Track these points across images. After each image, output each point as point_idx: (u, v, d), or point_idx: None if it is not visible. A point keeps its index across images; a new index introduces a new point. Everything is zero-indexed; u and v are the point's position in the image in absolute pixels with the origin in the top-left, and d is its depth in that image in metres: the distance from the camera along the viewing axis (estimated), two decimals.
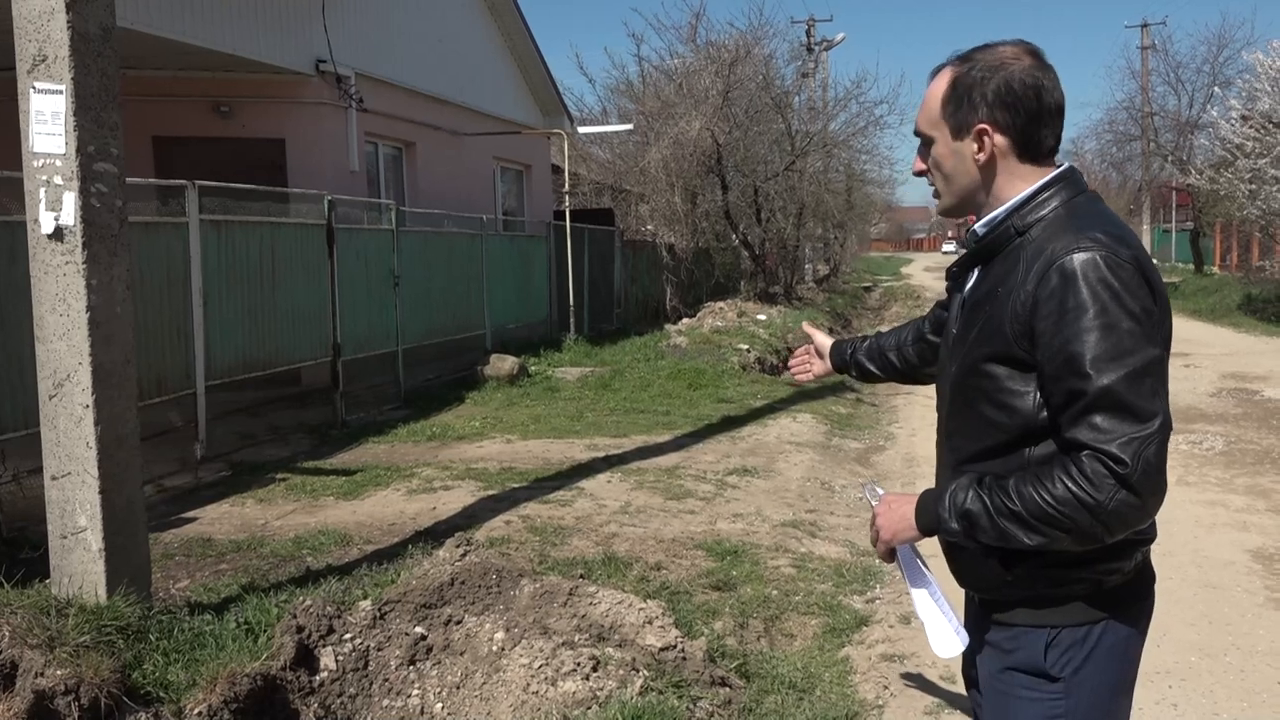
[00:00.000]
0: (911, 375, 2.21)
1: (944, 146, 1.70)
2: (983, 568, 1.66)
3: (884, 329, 2.55)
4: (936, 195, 1.78)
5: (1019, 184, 1.67)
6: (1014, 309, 1.57)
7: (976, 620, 1.76)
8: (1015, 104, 1.64)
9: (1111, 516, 1.47)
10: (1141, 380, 1.48)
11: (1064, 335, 1.50)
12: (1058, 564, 1.59)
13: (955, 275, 1.82)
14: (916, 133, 1.75)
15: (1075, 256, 1.52)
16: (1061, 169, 1.68)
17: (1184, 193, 29.83)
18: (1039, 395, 1.56)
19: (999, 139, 1.65)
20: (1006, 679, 1.69)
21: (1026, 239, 1.63)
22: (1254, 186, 17.35)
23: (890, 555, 1.77)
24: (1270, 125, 16.96)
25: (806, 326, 2.44)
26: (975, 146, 1.67)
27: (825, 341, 2.36)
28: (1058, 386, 1.52)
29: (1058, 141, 1.68)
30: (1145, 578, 1.71)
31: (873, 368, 2.26)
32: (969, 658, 1.82)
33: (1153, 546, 1.72)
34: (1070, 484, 1.47)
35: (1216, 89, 25.57)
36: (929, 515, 1.65)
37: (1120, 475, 1.45)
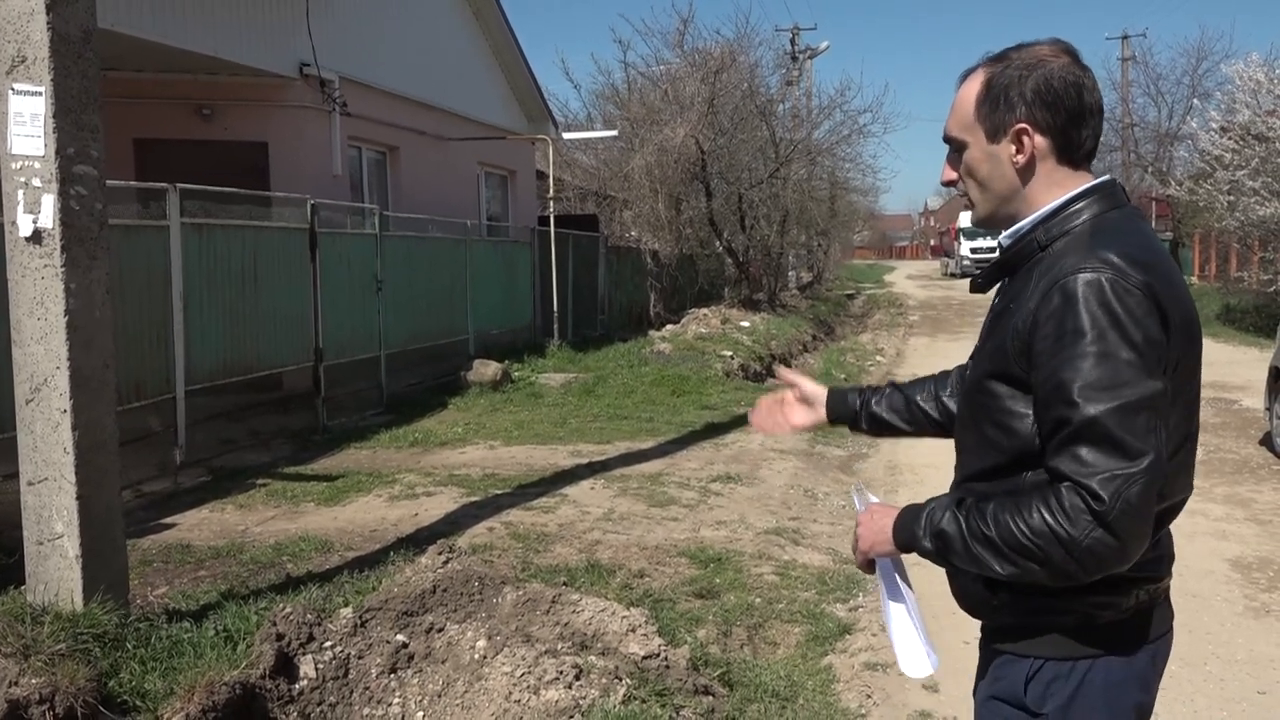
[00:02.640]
0: (952, 429, 1.88)
1: (979, 150, 1.61)
2: (972, 589, 1.60)
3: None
4: (969, 205, 1.68)
5: (1055, 190, 1.58)
6: (1016, 326, 1.50)
7: (981, 643, 1.70)
8: (1056, 102, 1.55)
9: (1085, 554, 1.38)
10: (1135, 415, 1.39)
11: (1058, 359, 1.42)
12: (1045, 592, 1.50)
13: (981, 287, 1.73)
14: (946, 139, 1.66)
15: (1079, 277, 1.43)
16: (1100, 180, 1.59)
17: (1163, 203, 30.08)
18: (1034, 419, 1.50)
19: (1039, 140, 1.56)
20: (990, 707, 1.63)
21: (1048, 253, 1.54)
22: (1233, 198, 17.53)
23: (869, 566, 1.71)
24: (1249, 137, 17.14)
25: (787, 374, 2.10)
26: (1013, 148, 1.57)
27: (814, 389, 2.03)
28: (1047, 413, 1.45)
29: (1096, 145, 1.60)
30: (1152, 619, 1.59)
31: (898, 422, 1.97)
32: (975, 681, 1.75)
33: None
34: (1047, 515, 1.39)
35: (1196, 101, 25.88)
36: (905, 531, 1.58)
37: (1097, 512, 1.37)
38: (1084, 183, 1.58)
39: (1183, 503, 1.63)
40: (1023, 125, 1.56)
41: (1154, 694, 1.62)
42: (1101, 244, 1.48)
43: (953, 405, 1.92)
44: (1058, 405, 1.42)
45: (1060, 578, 1.43)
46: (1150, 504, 1.40)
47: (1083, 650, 1.53)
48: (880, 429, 2.00)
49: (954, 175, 1.67)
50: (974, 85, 1.61)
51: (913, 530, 1.57)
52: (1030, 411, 1.49)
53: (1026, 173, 1.58)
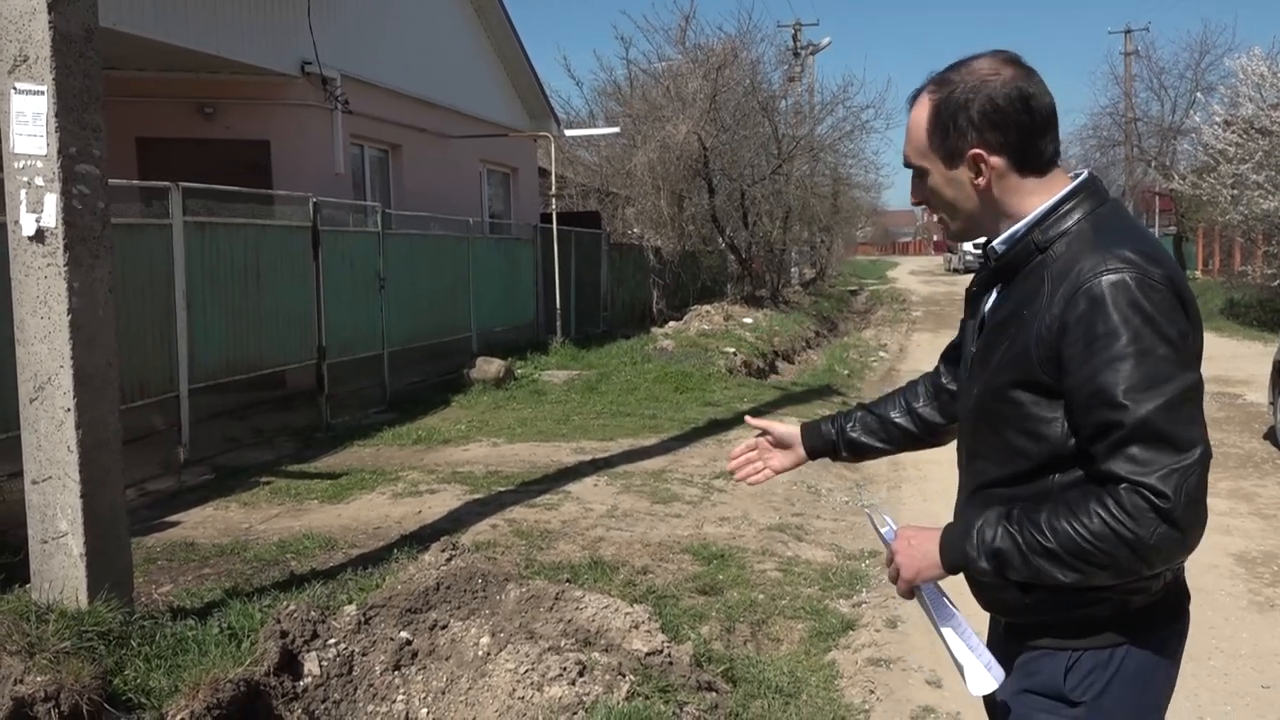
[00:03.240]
0: (932, 438, 1.96)
1: (939, 177, 1.62)
2: (1003, 592, 1.59)
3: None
4: (942, 222, 1.69)
5: (1031, 199, 1.58)
6: (1040, 333, 1.48)
7: (1000, 642, 1.71)
8: (1005, 121, 1.55)
9: (1152, 551, 1.40)
10: (1180, 408, 1.40)
11: (1094, 364, 1.42)
12: (1079, 586, 1.50)
13: (974, 295, 1.73)
14: (907, 164, 1.66)
15: (1105, 279, 1.43)
16: (1082, 179, 1.60)
17: (1167, 198, 30.05)
18: (1066, 423, 1.49)
19: (995, 160, 1.57)
20: (1025, 701, 1.62)
21: (1049, 255, 1.54)
22: (1236, 192, 17.49)
23: (911, 593, 1.67)
24: (1252, 130, 17.10)
25: (752, 420, 2.12)
26: (971, 173, 1.59)
27: (786, 430, 2.04)
28: (1088, 418, 1.44)
29: (1058, 147, 1.61)
30: (1177, 599, 1.64)
31: (875, 442, 1.98)
32: None
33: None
34: (1109, 519, 1.40)
35: (1199, 94, 25.80)
36: (956, 553, 1.55)
37: (1162, 509, 1.38)
38: (1062, 183, 1.59)
39: None
40: (976, 151, 1.57)
41: (1178, 672, 1.66)
42: (1113, 242, 1.48)
43: (928, 414, 1.94)
44: (1101, 409, 1.42)
45: (1124, 576, 1.45)
46: (1205, 492, 1.42)
47: (1117, 638, 1.55)
48: (859, 453, 2.00)
49: (920, 197, 1.68)
50: (922, 112, 1.61)
51: (964, 551, 1.54)
52: (1058, 415, 1.49)
53: (990, 193, 1.59)
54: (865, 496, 6.73)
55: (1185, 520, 1.39)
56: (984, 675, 1.61)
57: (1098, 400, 1.42)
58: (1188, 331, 1.45)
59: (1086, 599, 1.53)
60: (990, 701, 1.73)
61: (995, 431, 1.59)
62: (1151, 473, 1.38)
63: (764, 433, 2.07)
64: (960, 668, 1.63)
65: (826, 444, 2.01)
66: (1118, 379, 1.41)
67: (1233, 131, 17.79)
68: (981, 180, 1.58)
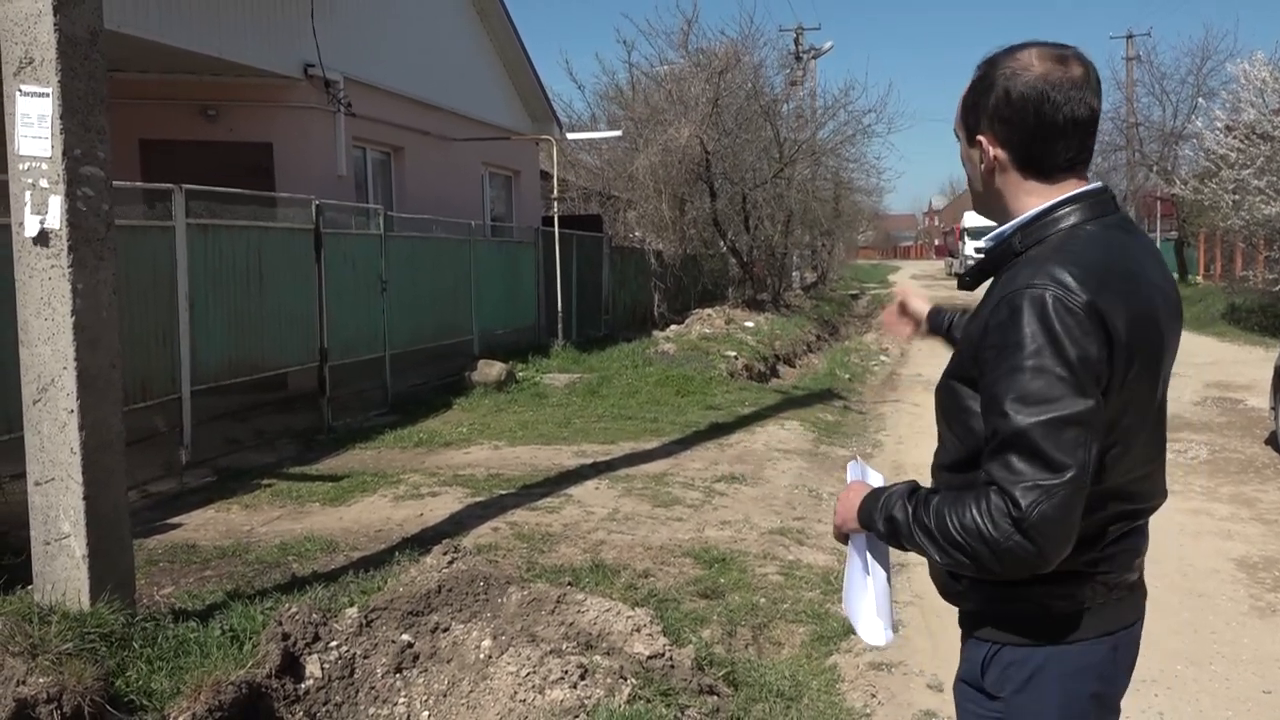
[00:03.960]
0: None
1: (963, 149, 1.69)
2: (940, 575, 1.69)
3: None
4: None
5: (1029, 200, 1.60)
6: (972, 333, 1.58)
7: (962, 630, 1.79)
8: (1011, 118, 1.57)
9: (1005, 555, 1.43)
10: (1061, 430, 1.42)
11: (998, 370, 1.48)
12: (1003, 581, 1.54)
13: (969, 285, 1.79)
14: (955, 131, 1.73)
15: (1027, 293, 1.47)
16: (1086, 188, 1.59)
17: (1168, 203, 30.04)
18: None
19: (998, 152, 1.60)
20: (958, 689, 1.73)
21: (1022, 259, 1.57)
22: (1238, 197, 17.49)
23: (844, 538, 1.78)
24: (1254, 136, 17.10)
25: (902, 290, 2.35)
26: (978, 156, 1.64)
27: (922, 307, 2.20)
28: (985, 419, 1.51)
29: (1079, 155, 1.59)
30: (1113, 615, 1.62)
31: None
32: None
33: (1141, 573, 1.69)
34: (976, 515, 1.45)
35: (1200, 100, 25.78)
36: (866, 510, 1.66)
37: (1016, 519, 1.42)
38: (1066, 190, 1.59)
39: (1154, 505, 1.70)
40: (982, 136, 1.61)
41: (1118, 685, 1.67)
42: (1059, 260, 1.50)
43: None
44: (993, 414, 1.48)
45: (986, 573, 1.49)
46: (1071, 514, 1.44)
47: (1039, 639, 1.58)
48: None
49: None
50: (968, 84, 1.66)
51: (868, 511, 1.66)
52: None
53: (992, 180, 1.63)
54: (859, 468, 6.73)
55: (1037, 535, 1.41)
56: (876, 629, 1.74)
57: (992, 405, 1.49)
58: (1099, 360, 1.46)
59: (1009, 595, 1.56)
60: None
61: (943, 419, 1.68)
62: (1017, 483, 1.42)
63: (903, 302, 2.25)
64: (852, 614, 1.78)
65: (941, 330, 2.15)
66: (1009, 389, 1.45)
67: (1234, 137, 17.79)
68: (984, 166, 1.64)
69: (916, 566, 5.27)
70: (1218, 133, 18.52)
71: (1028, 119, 1.56)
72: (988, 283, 1.73)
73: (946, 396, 1.65)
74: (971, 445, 1.57)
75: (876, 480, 1.78)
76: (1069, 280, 1.46)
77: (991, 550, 1.44)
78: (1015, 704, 1.60)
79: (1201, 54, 31.43)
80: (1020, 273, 1.52)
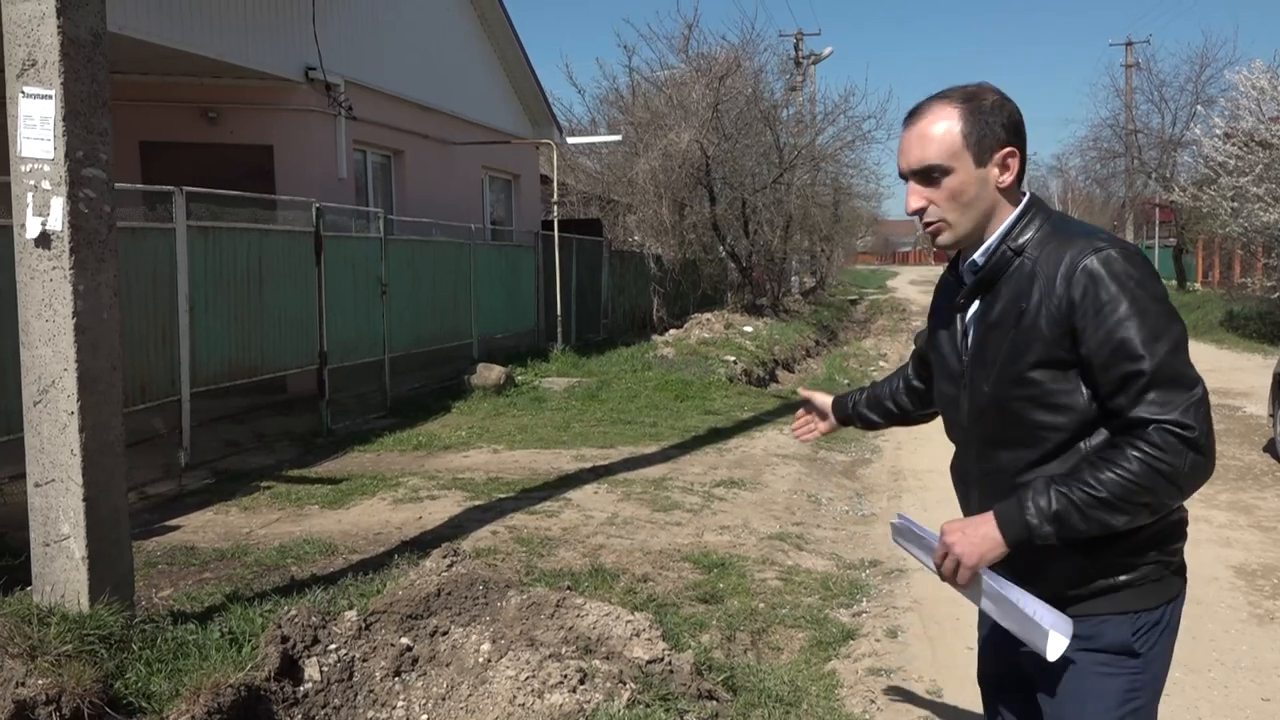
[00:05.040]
0: (908, 419, 2.33)
1: (966, 175, 1.76)
2: (1059, 567, 1.75)
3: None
4: (937, 232, 1.81)
5: (1006, 211, 1.79)
6: (1050, 314, 1.67)
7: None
8: (1020, 131, 1.78)
9: (1186, 479, 1.61)
10: (1181, 351, 1.63)
11: (1107, 327, 1.62)
12: (1130, 551, 1.72)
13: (946, 311, 1.91)
14: (920, 170, 1.77)
15: (1095, 258, 1.65)
16: (1030, 195, 1.81)
17: (1167, 209, 30.08)
18: (1086, 389, 1.68)
19: (1015, 165, 1.77)
20: (1082, 659, 1.77)
21: (1025, 258, 1.75)
22: (1236, 204, 17.52)
23: (971, 579, 1.77)
24: (1253, 143, 17.13)
25: (803, 391, 2.53)
26: (997, 171, 1.76)
27: (825, 400, 2.44)
28: (1110, 374, 1.63)
29: None
30: (1182, 576, 1.86)
31: (874, 416, 2.36)
32: (999, 659, 1.96)
33: None
34: (1146, 458, 1.59)
35: (1199, 107, 25.85)
36: (1016, 526, 1.68)
37: (1189, 440, 1.59)
38: (1021, 201, 1.81)
39: None
40: (1010, 149, 1.76)
41: None
42: (1084, 231, 1.73)
43: (904, 402, 2.30)
44: (1123, 363, 1.62)
45: (1164, 508, 1.66)
46: (1212, 421, 1.65)
47: (1168, 594, 1.80)
48: (870, 425, 2.38)
49: (922, 204, 1.79)
50: (948, 115, 1.75)
51: (1025, 522, 1.68)
52: (1077, 386, 1.69)
53: (1005, 192, 1.78)
54: (865, 506, 6.74)
55: (1206, 445, 1.61)
56: (1059, 638, 1.71)
57: (1119, 355, 1.62)
58: (1165, 290, 1.70)
59: (1140, 563, 1.75)
60: (995, 681, 1.99)
61: (1021, 417, 1.74)
62: (1173, 410, 1.60)
63: (808, 402, 2.48)
64: (1035, 634, 1.72)
65: (846, 415, 2.40)
66: (1130, 335, 1.61)
67: (1233, 144, 17.82)
68: (1007, 177, 1.77)
69: (915, 573, 5.27)
70: (1216, 140, 18.54)
71: (1025, 133, 1.79)
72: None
73: (1025, 390, 1.72)
74: (1073, 422, 1.69)
75: (927, 532, 1.83)
76: (1112, 238, 1.71)
77: (1170, 481, 1.60)
78: (1153, 655, 1.79)
79: (1200, 61, 31.50)
80: (1057, 255, 1.69)
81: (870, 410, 2.36)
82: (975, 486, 1.87)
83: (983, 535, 1.71)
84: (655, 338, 15.55)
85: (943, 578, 1.78)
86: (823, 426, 2.45)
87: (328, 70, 10.43)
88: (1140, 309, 1.62)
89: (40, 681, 2.91)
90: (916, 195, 1.79)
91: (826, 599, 4.76)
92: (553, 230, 14.43)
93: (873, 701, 3.77)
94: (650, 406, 10.21)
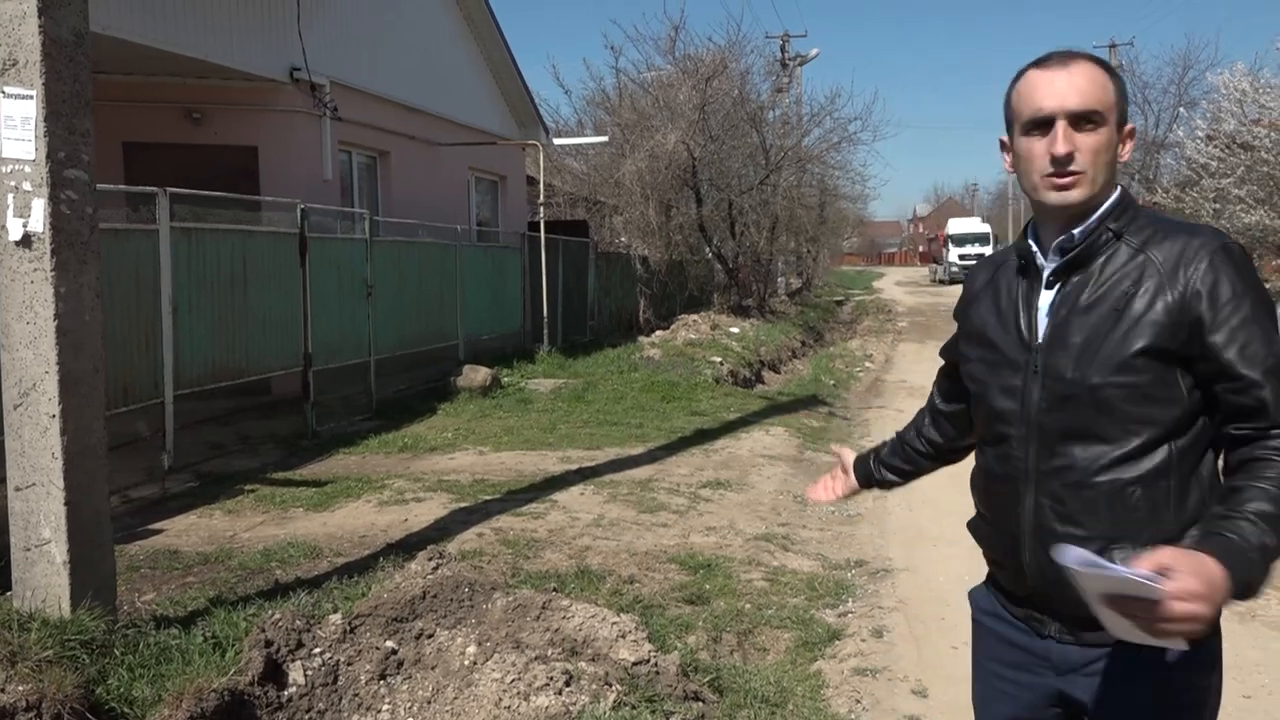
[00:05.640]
0: (945, 456, 2.09)
1: (1111, 134, 1.66)
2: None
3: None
4: (1072, 185, 1.64)
5: (1110, 189, 1.69)
6: (1171, 304, 1.57)
7: (1090, 659, 1.68)
8: None
9: None
10: None
11: (1240, 316, 1.55)
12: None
13: (1052, 283, 1.71)
14: (1081, 113, 1.63)
15: (1220, 249, 1.58)
16: (1122, 186, 1.74)
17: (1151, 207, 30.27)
18: (1187, 386, 1.59)
19: (1130, 144, 1.71)
20: (1171, 690, 1.66)
21: (1125, 243, 1.65)
22: (1218, 205, 17.66)
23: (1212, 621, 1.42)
24: (1234, 146, 17.28)
25: (835, 448, 2.30)
26: (1121, 144, 1.69)
27: (849, 457, 2.21)
28: (1246, 365, 1.54)
29: None
30: None
31: (899, 463, 2.13)
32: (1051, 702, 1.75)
33: None
34: None
35: (1182, 109, 26.05)
36: (1242, 569, 1.41)
37: None
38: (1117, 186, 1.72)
39: None
40: (1133, 127, 1.71)
41: None
42: (1191, 225, 1.67)
43: (933, 436, 2.08)
44: (1264, 353, 1.54)
45: None
46: None
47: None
48: (898, 475, 2.14)
49: (1075, 148, 1.64)
50: (1101, 73, 1.67)
51: (1246, 566, 1.42)
52: (1179, 379, 1.59)
53: (1115, 168, 1.69)
54: (851, 506, 6.75)
55: None
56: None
57: (1256, 347, 1.54)
58: None
59: None
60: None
61: (1115, 406, 1.61)
62: None
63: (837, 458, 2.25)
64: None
65: (867, 470, 2.17)
66: (1260, 331, 1.55)
67: (1215, 146, 17.97)
68: (1125, 153, 1.69)
69: (900, 573, 5.29)
70: (1199, 142, 18.69)
71: None
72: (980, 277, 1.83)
73: (1127, 379, 1.59)
74: (1171, 418, 1.59)
75: (1107, 563, 1.47)
76: (1217, 232, 1.66)
77: None
78: (1211, 682, 1.72)
79: (1183, 64, 31.74)
80: (1162, 245, 1.62)
81: (894, 457, 2.13)
82: (1031, 487, 1.68)
83: (1213, 573, 1.37)
84: (642, 339, 15.55)
85: (1162, 632, 1.36)
86: (841, 487, 2.19)
87: (313, 71, 10.39)
88: (1266, 308, 1.57)
89: (20, 688, 2.89)
90: (1068, 139, 1.62)
91: (812, 599, 4.77)
92: (539, 231, 14.42)
93: (858, 701, 3.78)
94: (637, 408, 10.21)
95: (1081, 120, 1.63)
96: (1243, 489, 1.50)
